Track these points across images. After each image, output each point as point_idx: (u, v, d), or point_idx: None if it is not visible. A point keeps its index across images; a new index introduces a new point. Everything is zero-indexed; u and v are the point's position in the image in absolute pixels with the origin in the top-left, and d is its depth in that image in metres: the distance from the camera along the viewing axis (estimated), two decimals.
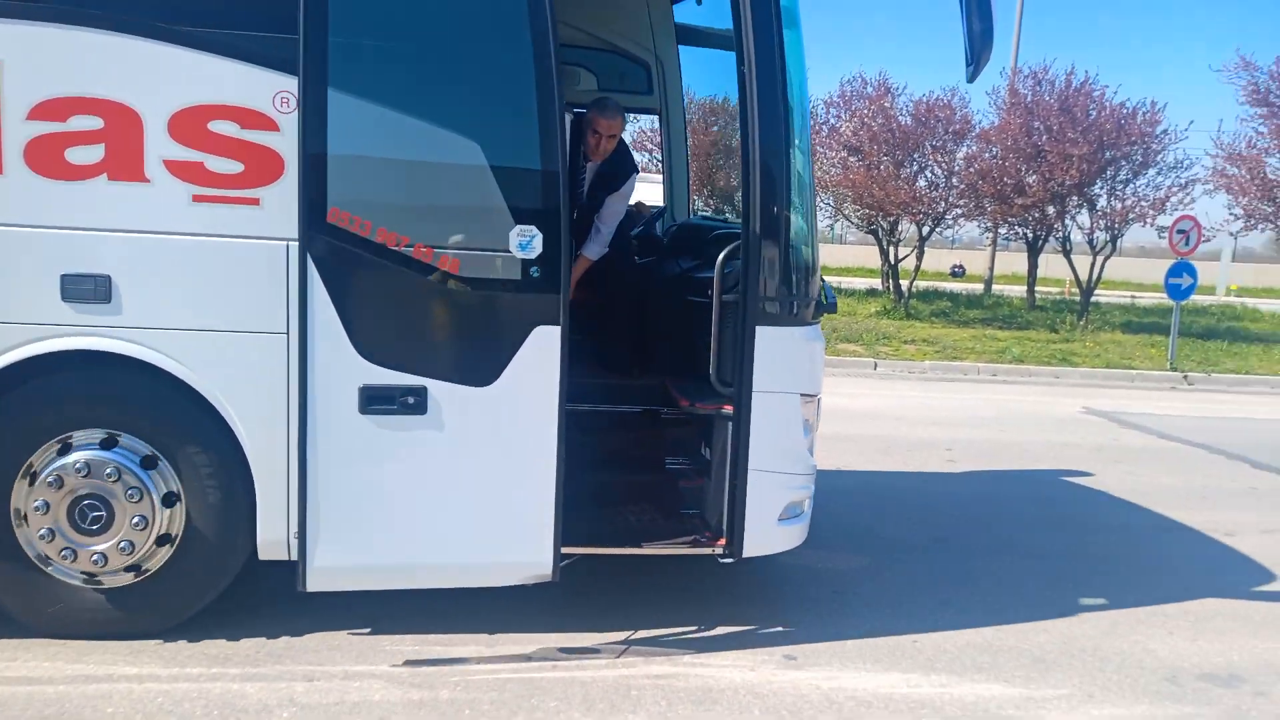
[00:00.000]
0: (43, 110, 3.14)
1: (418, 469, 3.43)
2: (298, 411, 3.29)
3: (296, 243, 3.23)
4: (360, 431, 3.32)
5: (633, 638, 3.77)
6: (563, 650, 3.64)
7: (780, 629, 3.94)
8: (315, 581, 3.42)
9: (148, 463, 3.37)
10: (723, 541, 3.74)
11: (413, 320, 3.46)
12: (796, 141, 3.62)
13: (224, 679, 3.27)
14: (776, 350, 3.62)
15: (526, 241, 3.34)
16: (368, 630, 3.70)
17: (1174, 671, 3.73)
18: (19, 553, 3.34)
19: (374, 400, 3.32)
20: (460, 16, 3.41)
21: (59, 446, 3.34)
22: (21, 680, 3.21)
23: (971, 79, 3.67)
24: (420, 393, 3.35)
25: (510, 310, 3.48)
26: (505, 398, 3.43)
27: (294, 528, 3.38)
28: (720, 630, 3.89)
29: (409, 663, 3.47)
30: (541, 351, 3.41)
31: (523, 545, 3.55)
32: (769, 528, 3.77)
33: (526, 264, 3.35)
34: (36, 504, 3.31)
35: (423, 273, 3.33)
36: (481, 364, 3.42)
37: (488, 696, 3.25)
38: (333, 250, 3.24)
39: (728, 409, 3.69)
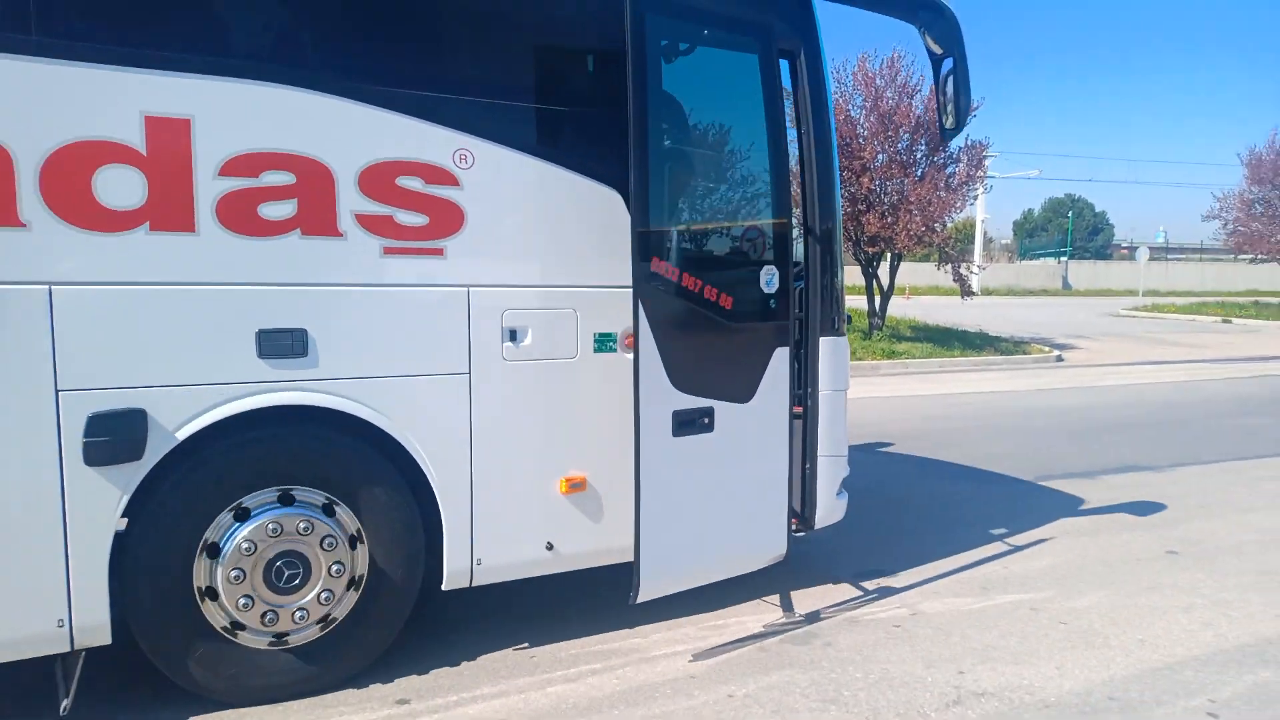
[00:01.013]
0: (234, 166, 3.12)
1: (707, 479, 3.93)
2: (632, 438, 3.61)
3: (475, 290, 3.58)
4: (673, 451, 3.74)
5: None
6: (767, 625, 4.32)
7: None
8: (646, 592, 3.77)
9: (327, 510, 3.44)
10: (795, 521, 4.41)
11: (703, 351, 3.95)
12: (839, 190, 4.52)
13: (449, 707, 3.48)
14: (830, 356, 4.40)
15: (770, 279, 4.06)
16: (526, 644, 4.05)
17: None
18: (204, 628, 3.28)
19: (683, 424, 3.78)
20: (731, 122, 4.25)
21: (234, 513, 3.30)
22: None
23: (950, 139, 4.66)
24: (710, 413, 3.87)
25: (762, 336, 4.11)
26: (759, 410, 4.06)
27: (477, 557, 3.68)
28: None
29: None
30: (778, 368, 4.11)
31: (771, 532, 4.22)
32: (831, 502, 4.52)
33: (769, 297, 4.06)
34: (233, 574, 3.26)
35: (710, 310, 3.89)
36: (746, 383, 4.04)
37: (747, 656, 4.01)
38: (654, 295, 3.65)
39: (798, 410, 4.36)
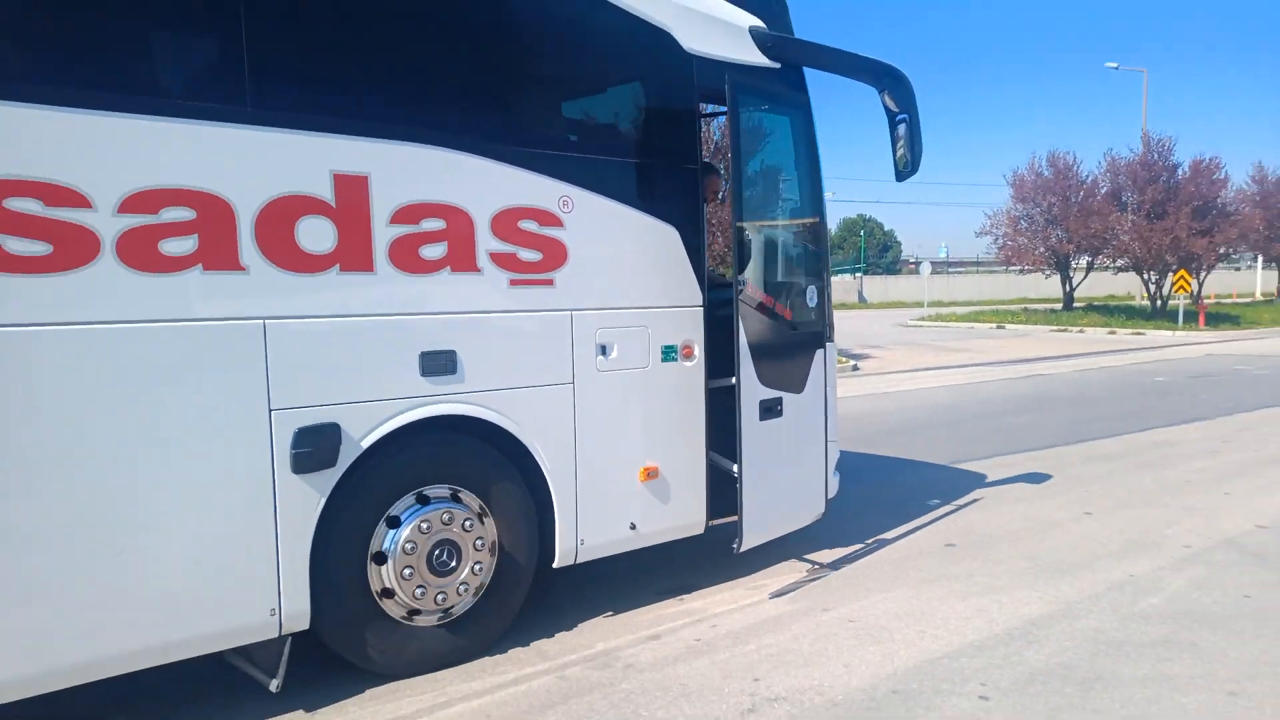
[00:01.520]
0: (402, 215, 3.75)
1: (778, 454, 5.04)
2: (741, 421, 4.75)
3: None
4: (759, 433, 4.83)
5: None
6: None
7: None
8: (748, 542, 4.88)
9: (454, 498, 4.05)
10: None
11: (775, 352, 5.02)
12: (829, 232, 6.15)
13: (570, 666, 4.11)
14: (831, 358, 5.54)
15: (813, 296, 5.30)
16: (611, 612, 4.76)
17: None
18: (383, 619, 3.86)
19: (764, 411, 4.87)
20: (786, 170, 5.40)
21: (388, 521, 3.84)
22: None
23: (904, 180, 5.27)
24: (780, 402, 4.99)
25: (809, 339, 5.30)
26: (807, 399, 5.23)
27: (580, 537, 4.42)
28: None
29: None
30: (819, 365, 5.32)
31: (816, 495, 5.40)
32: (832, 479, 5.61)
33: (811, 310, 5.29)
34: (404, 571, 3.85)
35: (778, 320, 5.10)
36: (801, 377, 5.19)
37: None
38: (745, 312, 4.77)
39: None
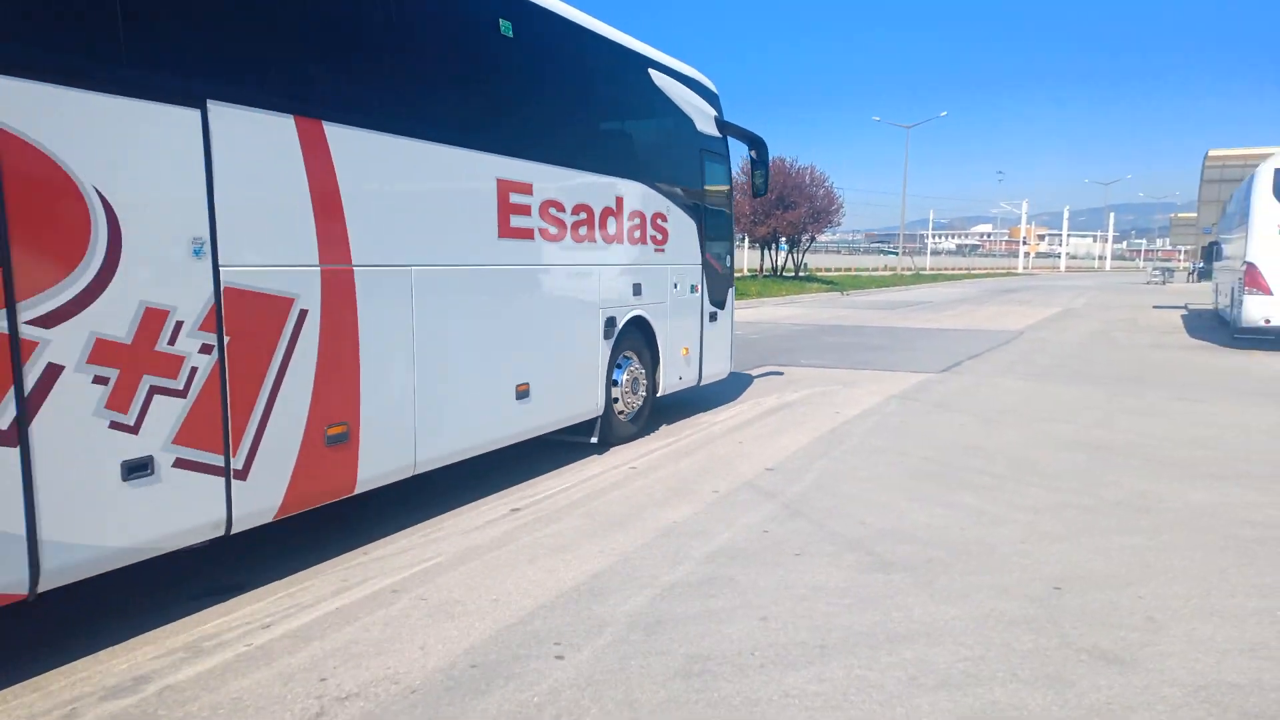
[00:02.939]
0: (631, 216, 7.95)
1: (715, 340, 9.74)
2: (703, 322, 9.46)
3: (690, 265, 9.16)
4: (709, 329, 9.59)
5: None
6: None
7: None
8: (705, 379, 9.69)
9: (629, 358, 8.15)
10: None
11: (715, 288, 9.65)
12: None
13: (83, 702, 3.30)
14: (732, 294, 10.27)
15: (727, 259, 10.08)
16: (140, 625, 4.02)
17: None
18: (611, 405, 7.88)
19: (710, 318, 9.54)
20: (718, 194, 9.79)
21: (618, 365, 7.97)
22: None
23: (759, 196, 11.82)
24: (716, 314, 9.70)
25: (726, 281, 9.97)
26: (726, 313, 10.00)
27: (666, 382, 8.73)
28: None
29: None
30: (730, 295, 10.11)
31: (726, 364, 10.30)
32: (731, 359, 10.45)
33: (728, 266, 10.07)
34: (625, 390, 8.01)
35: (717, 272, 9.64)
36: (724, 300, 9.87)
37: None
38: (706, 265, 9.37)
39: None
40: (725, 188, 9.90)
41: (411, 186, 5.28)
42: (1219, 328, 21.25)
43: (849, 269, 70.33)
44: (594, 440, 7.53)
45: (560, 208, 6.76)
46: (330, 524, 5.33)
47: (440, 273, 5.46)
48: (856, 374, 12.73)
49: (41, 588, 3.40)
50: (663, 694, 3.44)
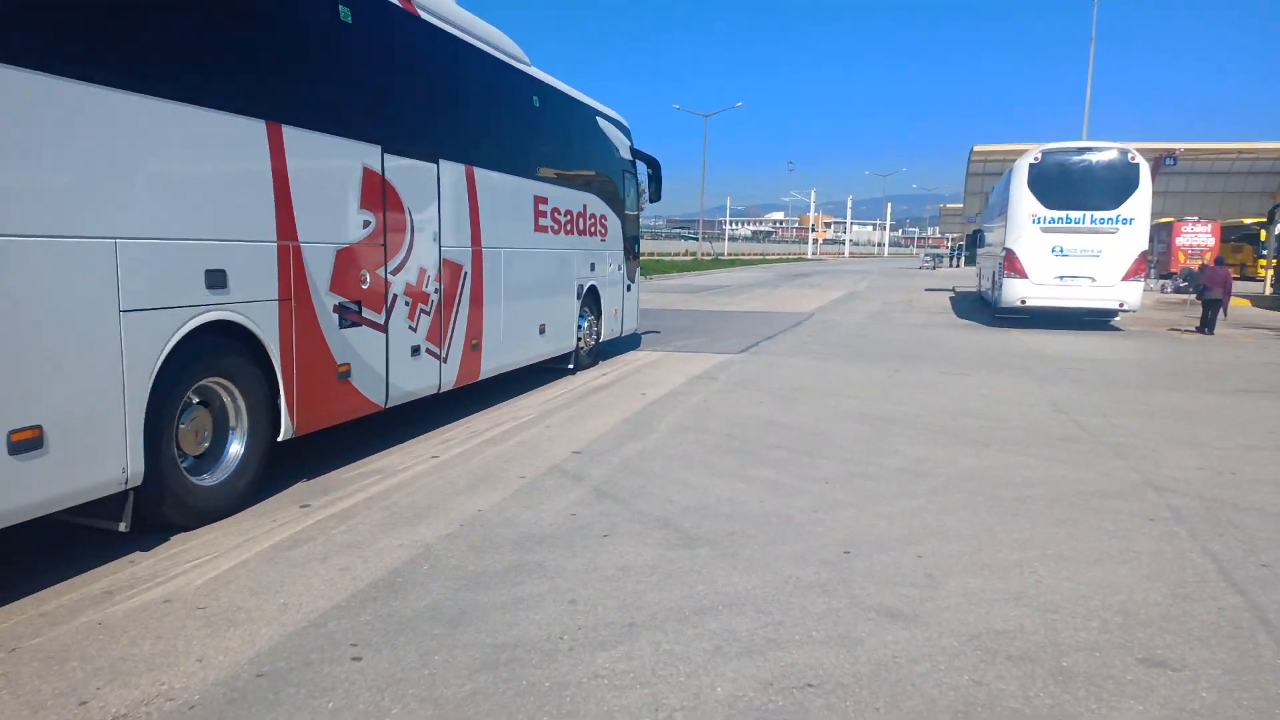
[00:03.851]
0: (560, 213, 10.54)
1: (630, 303, 13.92)
2: (624, 290, 13.31)
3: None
4: (627, 295, 13.65)
5: None
6: None
7: None
8: (624, 331, 13.58)
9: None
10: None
11: (629, 265, 13.54)
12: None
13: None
14: (637, 270, 14.16)
15: (637, 244, 14.34)
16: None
17: None
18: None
19: (626, 288, 13.45)
20: (632, 196, 13.67)
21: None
22: None
23: (654, 203, 14.39)
24: (631, 285, 13.78)
25: (634, 260, 13.93)
26: (635, 284, 13.98)
27: (609, 330, 12.72)
28: None
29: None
30: (636, 271, 14.00)
31: (635, 322, 14.23)
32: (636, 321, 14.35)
33: (638, 251, 14.08)
34: (582, 326, 11.66)
35: (631, 254, 13.53)
36: (634, 272, 13.84)
37: None
38: (628, 252, 13.48)
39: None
40: (636, 198, 13.58)
41: (505, 201, 8.89)
42: (982, 308, 23.38)
43: (651, 254, 72.02)
44: (570, 367, 11.13)
45: (559, 212, 10.28)
46: (91, 533, 4.78)
47: (512, 251, 9.04)
48: (661, 356, 12.99)
49: (391, 403, 6.92)
50: (469, 687, 3.32)
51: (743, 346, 14.27)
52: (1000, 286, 19.01)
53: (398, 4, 6.83)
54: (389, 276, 6.63)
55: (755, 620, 3.94)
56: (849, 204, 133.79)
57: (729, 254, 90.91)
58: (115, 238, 4.23)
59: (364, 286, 6.33)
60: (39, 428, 3.85)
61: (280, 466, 5.99)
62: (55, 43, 3.97)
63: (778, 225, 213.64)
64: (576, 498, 5.75)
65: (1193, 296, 19.58)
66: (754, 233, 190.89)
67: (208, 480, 5.09)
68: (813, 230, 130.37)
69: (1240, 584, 4.46)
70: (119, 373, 4.23)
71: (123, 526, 4.37)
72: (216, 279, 4.88)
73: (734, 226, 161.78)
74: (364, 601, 4.05)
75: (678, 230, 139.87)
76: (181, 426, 4.85)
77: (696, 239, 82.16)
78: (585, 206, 11.14)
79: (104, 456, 4.18)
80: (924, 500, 5.84)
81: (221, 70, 5.03)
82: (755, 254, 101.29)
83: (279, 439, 5.62)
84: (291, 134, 5.47)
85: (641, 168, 13.59)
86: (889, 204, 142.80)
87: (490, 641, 3.69)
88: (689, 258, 69.90)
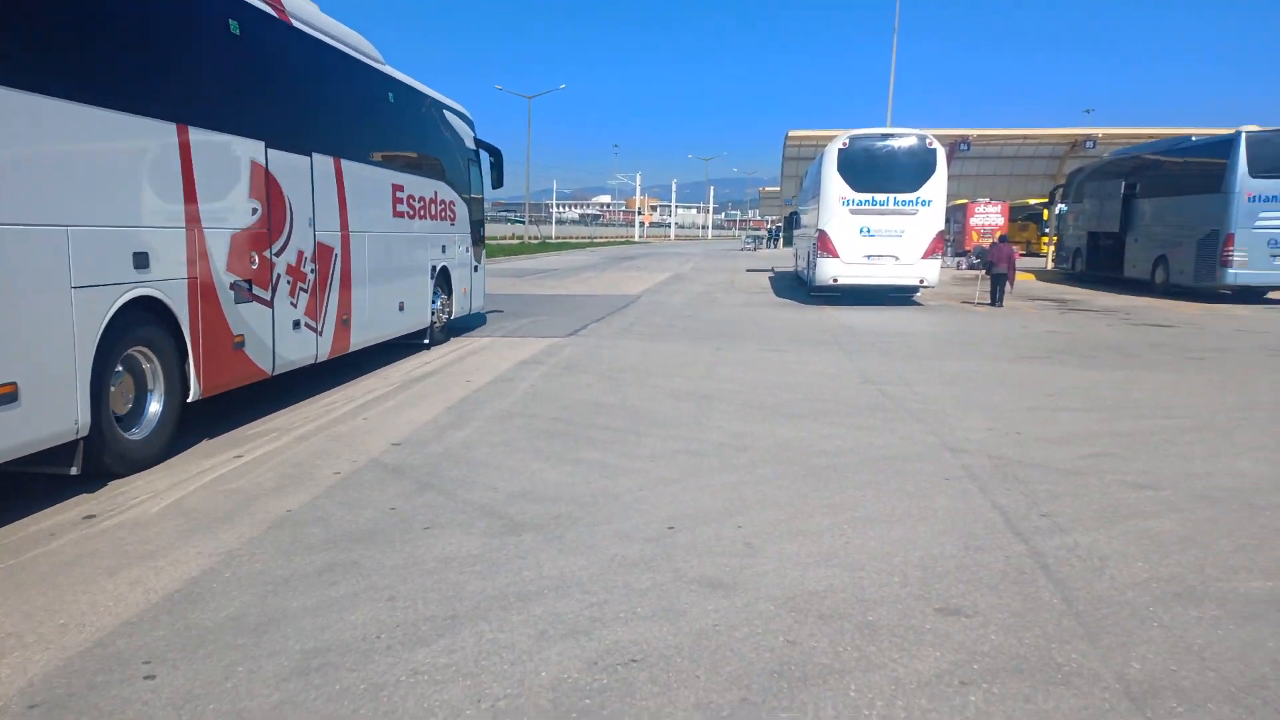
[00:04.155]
0: (411, 200, 11.32)
1: (479, 284, 15.00)
2: (472, 272, 14.30)
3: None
4: (475, 277, 14.55)
5: None
6: None
7: None
8: (474, 308, 14.61)
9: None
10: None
11: (477, 248, 14.58)
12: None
13: None
14: (484, 268, 15.42)
15: (482, 229, 14.99)
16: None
17: None
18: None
19: (473, 270, 14.40)
20: (478, 182, 14.67)
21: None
22: None
23: (496, 189, 15.37)
24: (478, 267, 14.87)
25: (481, 241, 14.86)
26: (482, 266, 15.36)
27: (459, 309, 13.64)
28: None
29: None
30: (483, 253, 15.22)
31: (483, 300, 15.34)
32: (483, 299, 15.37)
33: (483, 234, 15.06)
34: (435, 305, 12.39)
35: (479, 235, 14.66)
36: (480, 255, 14.90)
37: None
38: (475, 235, 14.50)
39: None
40: (481, 185, 14.49)
41: (368, 189, 9.65)
42: (799, 287, 24.45)
43: None
44: (426, 342, 11.88)
45: (413, 199, 11.05)
46: None
47: (375, 235, 9.78)
48: (488, 342, 12.78)
49: (278, 371, 7.71)
50: (276, 696, 3.13)
51: (570, 330, 14.26)
52: (814, 266, 19.92)
53: (276, 15, 7.68)
54: (273, 258, 7.45)
55: (580, 601, 3.93)
56: (673, 187, 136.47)
57: (556, 237, 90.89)
58: (67, 225, 5.06)
59: (253, 267, 7.11)
60: (14, 384, 4.63)
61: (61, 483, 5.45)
62: (25, 63, 4.81)
63: (605, 208, 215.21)
64: (396, 491, 5.55)
65: (983, 272, 21.21)
66: (582, 216, 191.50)
67: (135, 435, 5.91)
68: (639, 213, 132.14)
69: (1024, 533, 4.86)
70: (72, 338, 5.10)
71: (74, 470, 5.27)
72: (141, 260, 5.77)
73: (561, 210, 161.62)
74: (158, 616, 3.74)
75: (504, 213, 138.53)
76: (112, 388, 5.63)
77: (523, 222, 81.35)
78: (436, 193, 12.03)
79: (62, 410, 5.03)
80: (744, 473, 6.02)
81: (145, 82, 5.89)
82: (583, 237, 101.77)
83: (189, 400, 6.39)
84: (196, 134, 6.29)
85: (485, 156, 14.58)
86: (711, 187, 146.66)
87: (300, 648, 3.50)
88: (516, 241, 69.23)
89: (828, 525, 4.97)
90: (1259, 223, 19.28)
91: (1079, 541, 4.72)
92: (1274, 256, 19.43)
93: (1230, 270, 19.58)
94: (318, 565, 4.33)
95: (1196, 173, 21.24)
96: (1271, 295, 21.52)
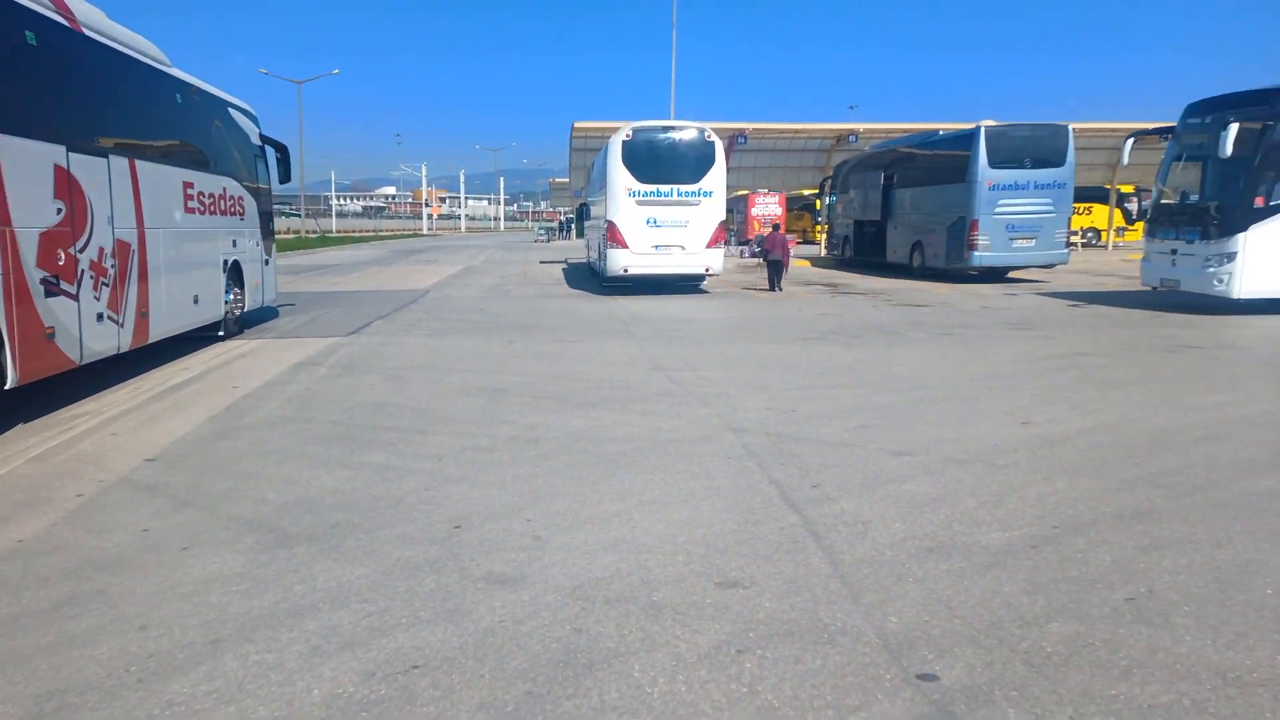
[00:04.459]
0: (202, 195, 11.79)
1: (270, 275, 15.28)
2: (264, 264, 14.72)
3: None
4: (266, 269, 14.92)
5: None
6: None
7: None
8: (266, 301, 15.13)
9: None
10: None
11: (271, 242, 15.39)
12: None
13: None
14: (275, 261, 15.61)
15: (272, 221, 17.01)
16: None
17: None
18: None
19: (264, 263, 14.55)
20: (264, 171, 14.90)
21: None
22: None
23: (284, 184, 15.91)
24: (270, 260, 15.22)
25: (270, 235, 15.41)
26: (273, 259, 15.54)
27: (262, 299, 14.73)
28: None
29: None
30: (272, 245, 15.64)
31: (274, 292, 15.67)
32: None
33: (272, 227, 16.30)
34: (229, 298, 12.79)
35: (267, 232, 15.09)
36: (271, 248, 15.27)
37: None
38: (265, 230, 15.20)
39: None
40: (267, 179, 14.72)
41: (162, 187, 10.01)
42: (592, 278, 24.68)
43: None
44: (221, 334, 12.16)
45: (204, 195, 11.36)
46: None
47: (169, 231, 10.10)
48: (259, 344, 11.98)
49: (85, 360, 8.02)
50: None
51: (352, 328, 13.65)
52: (605, 257, 20.17)
53: (69, 25, 8.02)
54: (78, 254, 7.86)
55: (358, 612, 3.75)
56: (461, 178, 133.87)
57: (338, 231, 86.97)
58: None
59: (60, 263, 7.46)
60: None
61: None
62: None
63: (390, 200, 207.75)
64: (150, 511, 5.07)
65: (761, 260, 22.30)
66: (365, 208, 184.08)
67: None
68: (426, 205, 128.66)
69: (797, 504, 5.13)
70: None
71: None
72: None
73: (342, 202, 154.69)
74: None
75: (279, 206, 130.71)
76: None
77: (299, 215, 76.99)
78: (225, 189, 12.36)
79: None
80: (534, 465, 5.98)
81: None
82: (367, 230, 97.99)
83: (5, 387, 6.69)
84: (4, 140, 6.73)
85: (271, 152, 15.00)
86: (502, 178, 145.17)
87: (32, 691, 3.11)
88: (293, 235, 65.37)
89: (616, 511, 5.03)
90: (998, 209, 21.43)
91: (845, 508, 5.04)
92: (1012, 240, 21.67)
93: (976, 253, 21.64)
94: (55, 599, 3.87)
95: (944, 164, 23.31)
96: (1013, 275, 24.01)
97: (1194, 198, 15.25)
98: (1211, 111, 14.88)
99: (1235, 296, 14.08)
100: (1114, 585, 3.96)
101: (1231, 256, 14.03)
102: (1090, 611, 3.70)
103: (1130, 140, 18.00)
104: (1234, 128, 13.58)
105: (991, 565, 4.21)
